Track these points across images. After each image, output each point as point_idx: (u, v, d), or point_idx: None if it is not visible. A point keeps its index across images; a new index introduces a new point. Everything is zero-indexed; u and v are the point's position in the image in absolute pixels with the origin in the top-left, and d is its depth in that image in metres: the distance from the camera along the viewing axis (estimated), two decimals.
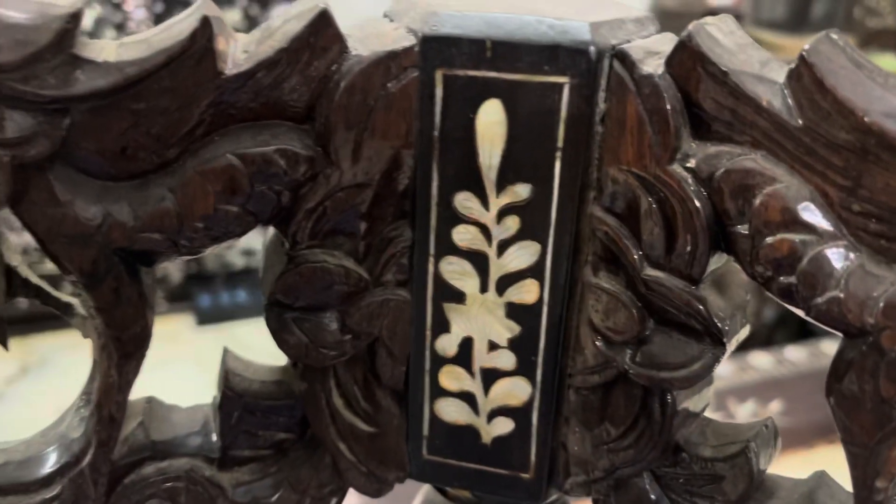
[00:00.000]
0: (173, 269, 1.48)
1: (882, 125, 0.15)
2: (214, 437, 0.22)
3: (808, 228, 0.16)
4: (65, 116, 0.17)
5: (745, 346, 1.41)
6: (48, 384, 1.35)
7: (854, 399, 0.16)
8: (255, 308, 1.54)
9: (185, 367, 1.27)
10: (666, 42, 0.18)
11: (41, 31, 0.16)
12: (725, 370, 0.87)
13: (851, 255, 0.16)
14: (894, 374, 0.16)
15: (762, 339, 1.42)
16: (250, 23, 1.48)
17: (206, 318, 1.45)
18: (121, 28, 1.40)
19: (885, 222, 0.16)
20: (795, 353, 0.94)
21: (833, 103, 0.15)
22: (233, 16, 1.45)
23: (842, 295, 0.16)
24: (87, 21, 1.37)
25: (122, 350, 0.19)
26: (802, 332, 1.11)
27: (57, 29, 0.16)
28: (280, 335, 0.20)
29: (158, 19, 1.41)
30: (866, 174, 0.16)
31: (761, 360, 0.95)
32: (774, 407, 0.76)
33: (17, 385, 1.34)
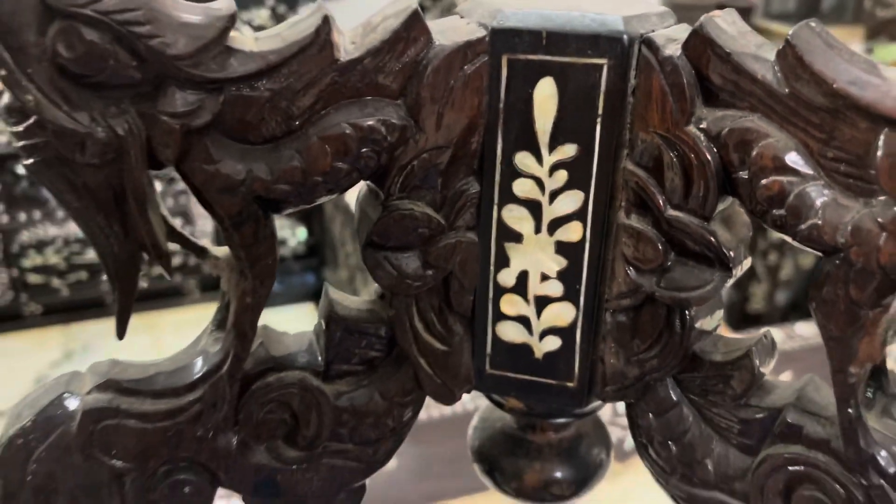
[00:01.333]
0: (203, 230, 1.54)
1: (847, 90, 0.20)
2: (319, 356, 0.27)
3: (794, 172, 0.21)
4: (220, 94, 0.22)
5: (759, 324, 1.45)
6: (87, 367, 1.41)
7: (830, 302, 0.21)
8: (284, 297, 1.59)
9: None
10: (682, 31, 0.23)
11: (209, 28, 0.21)
12: None
13: (826, 192, 0.21)
14: (860, 281, 0.21)
15: (776, 320, 1.47)
16: (277, 20, 1.53)
17: None
18: None
19: (851, 165, 0.21)
20: (805, 329, 0.99)
21: (810, 75, 0.20)
22: (262, 14, 1.51)
23: (820, 222, 0.21)
24: None
25: (258, 277, 0.24)
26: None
27: (220, 27, 0.22)
28: (374, 270, 0.26)
29: None
30: (837, 129, 0.20)
31: (774, 335, 0.99)
32: (785, 377, 0.81)
33: (60, 369, 1.40)
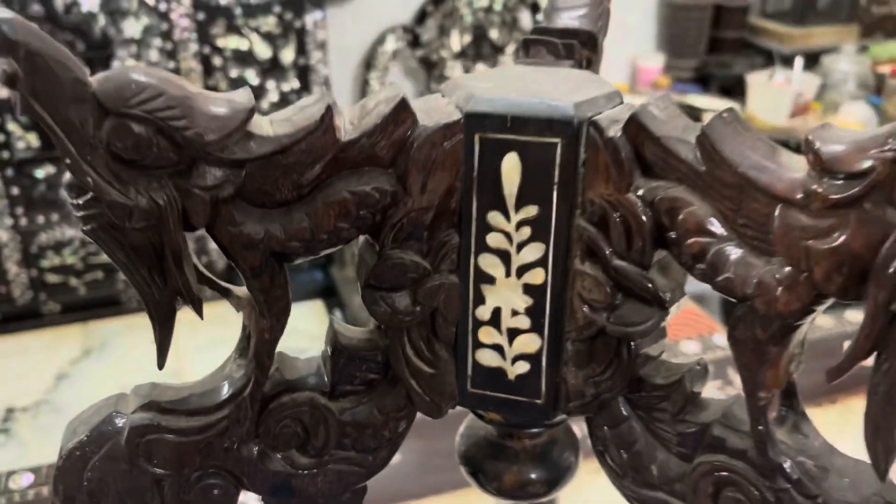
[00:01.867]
0: (218, 259, 1.60)
1: (748, 174, 0.24)
2: (326, 378, 0.32)
3: (712, 234, 0.26)
4: (242, 169, 0.27)
5: None
6: (107, 364, 1.47)
7: (742, 340, 0.26)
8: (294, 294, 1.65)
9: (233, 344, 1.39)
10: (625, 111, 0.28)
11: (233, 119, 0.26)
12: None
13: (738, 251, 0.26)
14: (764, 324, 0.25)
15: None
16: (284, 27, 1.57)
17: None
18: (167, 36, 1.50)
19: (756, 230, 0.25)
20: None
21: (721, 159, 0.25)
22: (269, 21, 1.55)
23: (732, 276, 0.26)
24: (136, 30, 1.48)
25: (275, 317, 0.29)
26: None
27: (242, 118, 0.26)
28: (372, 307, 0.30)
29: (200, 27, 1.51)
30: (744, 202, 0.25)
31: None
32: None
33: (80, 365, 1.46)
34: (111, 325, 1.56)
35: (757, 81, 1.71)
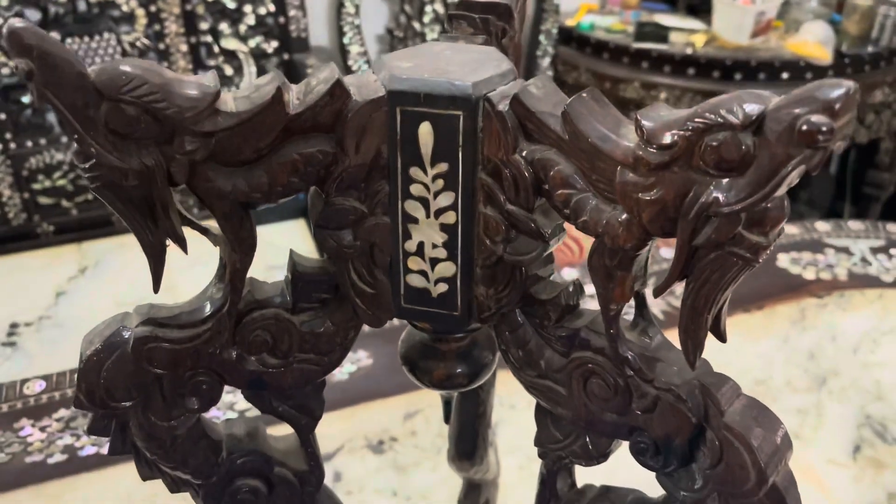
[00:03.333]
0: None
1: (595, 143, 0.32)
2: (288, 298, 0.41)
3: (574, 187, 0.34)
4: (212, 138, 0.35)
5: None
6: (103, 280, 1.56)
7: (596, 267, 0.34)
8: (277, 214, 1.73)
9: (213, 261, 1.48)
10: (513, 88, 0.35)
11: (203, 100, 0.34)
12: None
13: (593, 200, 0.34)
14: (611, 255, 0.34)
15: None
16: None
17: None
18: None
19: (605, 185, 0.33)
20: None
21: (578, 130, 0.33)
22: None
23: (587, 219, 0.34)
24: None
25: (243, 252, 0.37)
26: None
27: (211, 99, 0.34)
28: (322, 243, 0.39)
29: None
30: (595, 163, 0.33)
31: None
32: None
33: (76, 283, 1.55)
34: (104, 244, 1.64)
35: (722, 0, 1.75)
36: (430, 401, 0.87)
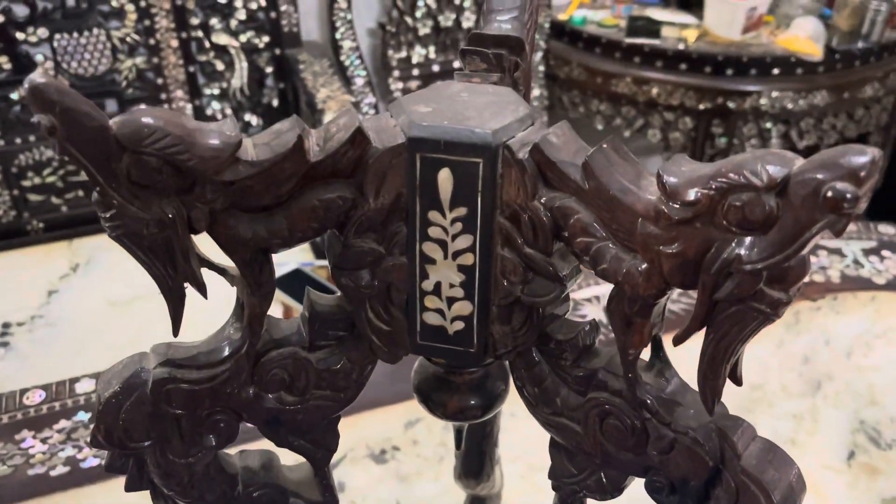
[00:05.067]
0: None
1: (616, 195, 0.33)
2: (305, 336, 0.41)
3: (593, 235, 0.34)
4: (232, 186, 0.35)
5: None
6: (95, 278, 1.55)
7: (615, 313, 0.35)
8: None
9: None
10: (533, 135, 0.36)
11: (225, 150, 0.34)
12: None
13: (613, 248, 0.34)
14: (631, 303, 0.34)
15: None
16: None
17: None
18: None
19: (625, 234, 0.34)
20: None
21: (597, 182, 0.33)
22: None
23: (608, 266, 0.34)
24: None
25: (261, 296, 0.37)
26: None
27: (231, 149, 0.34)
28: (339, 283, 0.39)
29: None
30: (615, 213, 0.33)
31: None
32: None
33: (69, 280, 1.54)
34: (95, 241, 1.63)
35: None
36: None
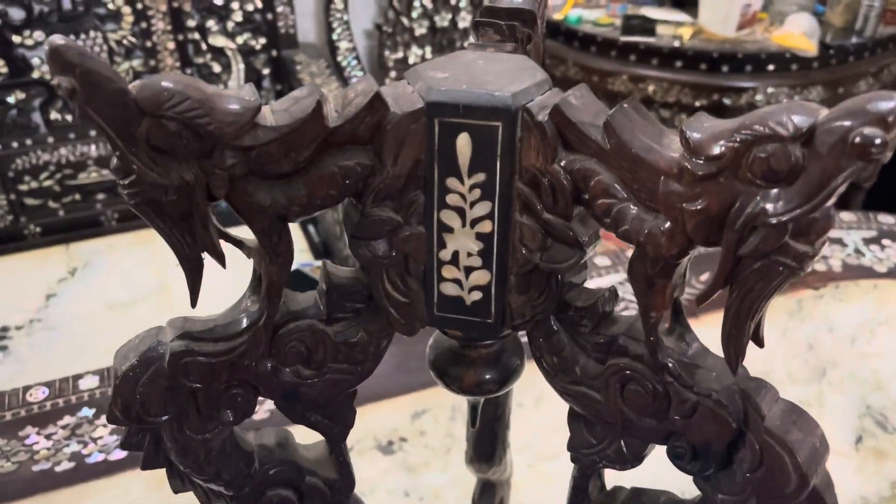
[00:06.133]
0: None
1: (638, 153, 0.33)
2: (322, 308, 0.41)
3: (615, 197, 0.34)
4: (252, 152, 0.35)
5: None
6: (93, 282, 1.54)
7: (638, 275, 0.35)
8: None
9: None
10: (552, 98, 0.36)
11: (245, 115, 0.33)
12: None
13: (634, 209, 0.34)
14: (653, 264, 0.34)
15: None
16: None
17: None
18: None
19: (647, 194, 0.33)
20: None
21: (620, 141, 0.33)
22: None
23: (629, 228, 0.34)
24: None
25: (280, 264, 0.37)
26: None
27: (251, 113, 0.34)
28: (357, 253, 0.39)
29: None
30: (637, 172, 0.33)
31: None
32: (704, 277, 0.96)
33: (66, 284, 1.53)
34: (93, 244, 1.62)
35: None
36: (437, 400, 0.87)
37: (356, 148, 0.36)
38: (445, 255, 0.39)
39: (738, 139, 0.30)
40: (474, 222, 0.38)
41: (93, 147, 1.62)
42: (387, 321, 0.41)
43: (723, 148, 0.30)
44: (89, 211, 1.66)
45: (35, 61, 1.55)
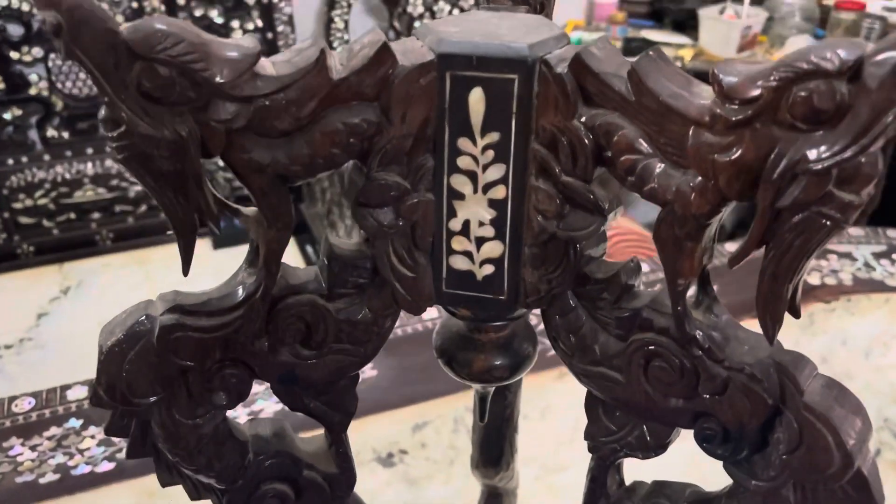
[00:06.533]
0: None
1: (667, 101, 0.30)
2: (324, 283, 0.38)
3: (640, 152, 0.32)
4: (251, 105, 0.32)
5: None
6: (86, 301, 1.51)
7: (664, 238, 0.32)
8: (233, 240, 1.69)
9: (206, 281, 1.45)
10: (570, 51, 0.33)
11: (243, 62, 0.31)
12: None
13: (661, 165, 0.32)
14: (681, 224, 0.32)
15: (724, 239, 1.60)
16: None
17: (221, 242, 1.62)
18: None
19: (675, 148, 0.31)
20: (732, 247, 1.12)
21: (646, 90, 0.31)
22: None
23: (656, 185, 0.32)
24: None
25: (280, 229, 0.35)
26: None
27: (251, 60, 0.31)
28: (362, 222, 0.36)
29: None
30: (665, 125, 0.31)
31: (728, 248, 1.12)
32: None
33: (59, 303, 1.50)
34: (87, 264, 1.59)
35: (708, 16, 1.76)
36: (439, 412, 0.84)
37: (362, 104, 0.34)
38: (455, 224, 0.36)
39: (777, 77, 0.27)
40: (487, 187, 0.35)
41: (89, 165, 1.60)
42: (392, 298, 0.38)
43: (760, 89, 0.28)
44: (84, 230, 1.63)
45: (33, 78, 1.53)
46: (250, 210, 0.37)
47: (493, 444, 0.56)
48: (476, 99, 0.33)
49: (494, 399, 0.56)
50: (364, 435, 0.81)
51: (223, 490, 0.41)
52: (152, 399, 0.37)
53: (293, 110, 0.33)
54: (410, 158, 0.35)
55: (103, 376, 0.36)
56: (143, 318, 0.36)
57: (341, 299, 0.38)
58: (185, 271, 0.35)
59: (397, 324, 1.00)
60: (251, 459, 0.41)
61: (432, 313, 0.95)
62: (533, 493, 0.74)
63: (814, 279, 1.05)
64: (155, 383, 0.37)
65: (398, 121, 0.34)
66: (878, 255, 1.10)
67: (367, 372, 0.88)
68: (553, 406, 0.80)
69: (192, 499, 0.41)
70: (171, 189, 0.33)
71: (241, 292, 0.36)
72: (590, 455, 0.40)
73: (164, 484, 0.40)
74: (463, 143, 0.34)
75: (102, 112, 0.32)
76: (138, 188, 1.64)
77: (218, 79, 0.31)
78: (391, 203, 0.36)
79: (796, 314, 0.32)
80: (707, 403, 0.34)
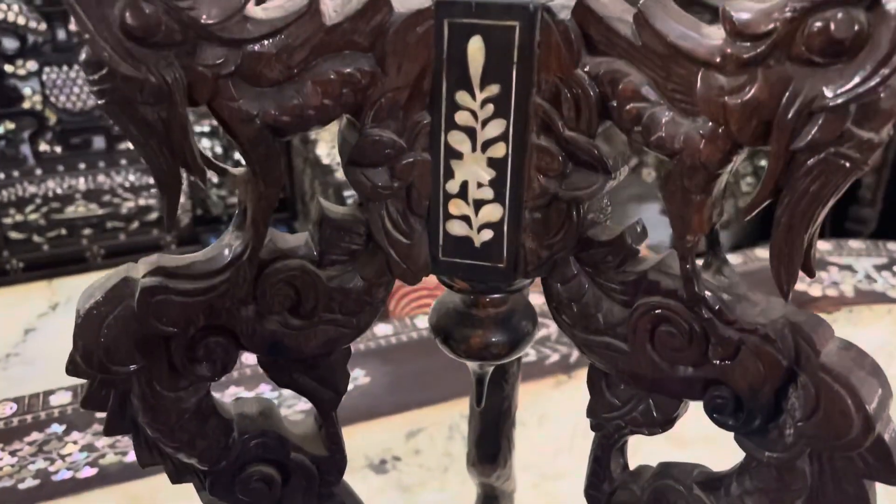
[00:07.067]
0: (182, 215, 1.62)
1: (676, 42, 0.29)
2: (314, 249, 0.36)
3: (646, 100, 0.30)
4: (240, 50, 0.31)
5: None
6: (73, 317, 1.48)
7: (673, 191, 0.31)
8: None
9: None
10: None
11: (233, 3, 0.30)
12: None
13: (668, 113, 0.30)
14: (690, 175, 0.30)
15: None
16: None
17: None
18: None
19: (683, 94, 0.30)
20: (732, 259, 1.11)
21: (653, 32, 0.29)
22: None
23: (663, 134, 0.30)
24: None
25: (269, 185, 0.33)
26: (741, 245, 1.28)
27: (241, 2, 0.30)
28: (354, 182, 0.34)
29: None
30: (672, 69, 0.30)
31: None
32: None
33: (47, 319, 1.47)
34: (76, 280, 1.57)
35: None
36: (434, 419, 0.81)
37: (356, 53, 0.32)
38: (453, 186, 0.35)
39: (792, 8, 0.26)
40: (486, 145, 0.34)
41: (81, 180, 1.59)
42: (386, 265, 0.37)
43: (774, 22, 0.26)
44: (75, 246, 1.61)
45: (27, 91, 1.53)
46: (238, 170, 0.35)
47: (491, 440, 0.54)
48: (475, 48, 0.32)
49: (492, 391, 0.53)
50: (355, 441, 0.78)
51: (205, 472, 0.39)
52: (132, 367, 0.35)
53: (284, 57, 0.31)
54: (406, 114, 0.33)
55: (80, 341, 0.34)
56: (125, 279, 0.34)
57: (333, 266, 0.36)
58: (169, 226, 0.33)
59: (391, 332, 0.98)
60: (235, 439, 0.38)
61: (427, 322, 0.93)
62: (531, 499, 0.72)
63: (815, 291, 1.04)
64: (135, 351, 0.35)
65: (393, 72, 0.32)
66: (879, 268, 1.08)
67: (361, 379, 0.85)
68: (550, 414, 0.78)
69: (173, 482, 0.39)
70: (155, 139, 0.32)
71: (227, 254, 0.35)
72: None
73: (143, 464, 0.38)
74: (461, 96, 0.33)
75: (83, 53, 0.30)
76: (131, 204, 1.63)
77: (205, 18, 0.30)
78: (385, 162, 0.34)
79: (810, 272, 0.31)
80: (717, 370, 0.33)
